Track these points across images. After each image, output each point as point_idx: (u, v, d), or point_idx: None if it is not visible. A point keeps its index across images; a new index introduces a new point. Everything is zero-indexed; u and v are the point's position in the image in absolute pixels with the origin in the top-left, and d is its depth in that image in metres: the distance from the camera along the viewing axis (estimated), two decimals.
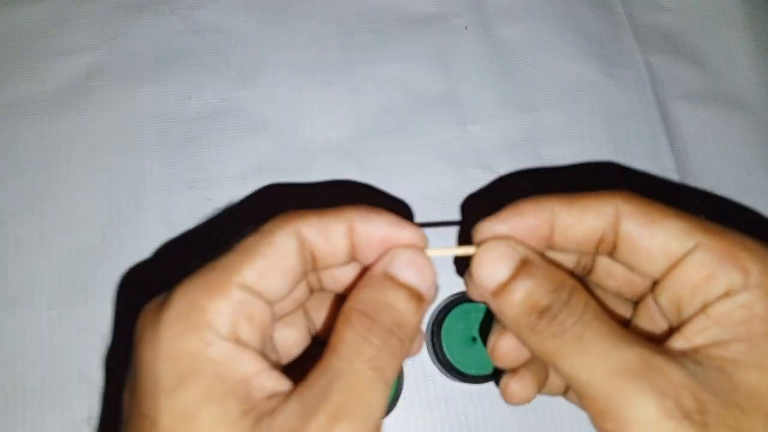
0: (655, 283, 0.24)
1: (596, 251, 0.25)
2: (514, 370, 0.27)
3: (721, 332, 0.21)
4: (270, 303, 0.22)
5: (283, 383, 0.21)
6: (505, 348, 0.26)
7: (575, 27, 0.47)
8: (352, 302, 0.22)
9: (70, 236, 0.41)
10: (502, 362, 0.26)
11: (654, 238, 0.23)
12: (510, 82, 0.46)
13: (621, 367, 0.20)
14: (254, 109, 0.44)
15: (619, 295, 0.27)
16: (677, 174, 0.44)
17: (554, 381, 0.28)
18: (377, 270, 0.23)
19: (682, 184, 0.44)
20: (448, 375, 0.38)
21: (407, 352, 0.22)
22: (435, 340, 0.38)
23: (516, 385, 0.26)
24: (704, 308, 0.22)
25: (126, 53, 0.45)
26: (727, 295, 0.21)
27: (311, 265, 0.24)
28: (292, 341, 0.28)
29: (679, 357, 0.21)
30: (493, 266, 0.23)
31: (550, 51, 0.46)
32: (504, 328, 0.26)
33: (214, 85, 0.45)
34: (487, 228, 0.24)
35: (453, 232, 0.42)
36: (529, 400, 0.27)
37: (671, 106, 0.46)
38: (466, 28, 0.47)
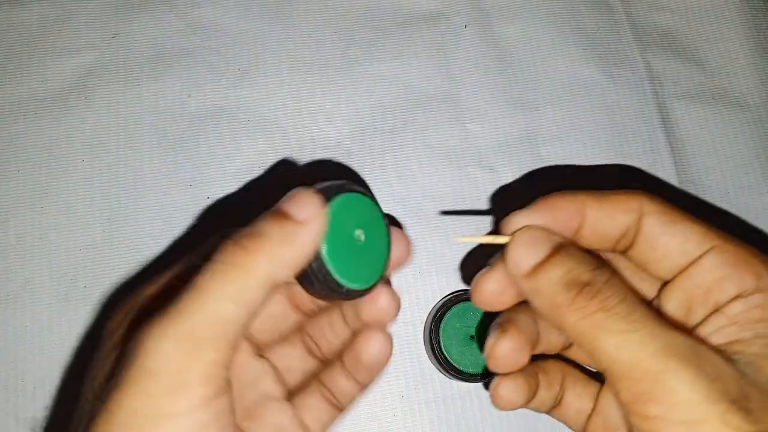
0: (663, 286, 0.25)
1: (614, 248, 0.25)
2: (506, 374, 0.27)
3: (741, 330, 0.22)
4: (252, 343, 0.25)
5: None
6: (505, 350, 0.26)
7: (575, 26, 0.47)
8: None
9: (70, 235, 0.41)
10: (499, 365, 0.26)
11: (673, 237, 0.24)
12: (509, 81, 0.46)
13: (671, 350, 0.20)
14: (253, 107, 0.44)
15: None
16: (676, 173, 0.44)
17: (544, 395, 0.28)
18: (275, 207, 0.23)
19: (684, 191, 0.44)
20: (446, 373, 0.38)
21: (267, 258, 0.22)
22: (433, 339, 0.38)
23: (506, 388, 0.26)
24: (717, 309, 0.23)
25: (125, 52, 0.45)
26: (740, 296, 0.22)
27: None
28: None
29: (714, 349, 0.21)
30: (529, 248, 0.23)
31: (550, 50, 0.46)
32: (504, 330, 0.26)
33: (214, 83, 0.45)
34: (519, 219, 0.24)
35: (453, 227, 0.42)
36: (517, 407, 0.27)
37: (670, 105, 0.46)
38: (465, 26, 0.47)
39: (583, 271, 0.22)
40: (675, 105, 0.46)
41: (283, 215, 0.22)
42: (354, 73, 0.45)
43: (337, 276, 0.23)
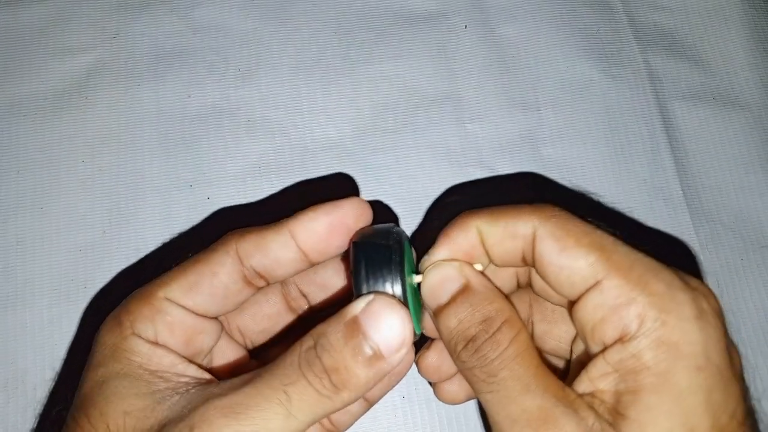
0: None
1: (525, 264, 0.25)
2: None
3: (618, 381, 0.21)
4: (203, 315, 0.25)
5: (202, 376, 0.24)
6: (429, 361, 0.28)
7: (575, 26, 0.47)
8: (313, 330, 0.23)
9: (71, 235, 0.41)
10: (426, 374, 0.28)
11: (562, 268, 0.23)
12: (509, 81, 0.46)
13: (520, 415, 0.21)
14: (254, 107, 0.44)
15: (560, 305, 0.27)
16: (676, 173, 0.44)
17: None
18: (350, 311, 0.23)
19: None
20: None
21: (342, 401, 0.22)
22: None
23: (432, 358, 0.28)
24: (604, 350, 0.22)
25: (126, 52, 0.45)
26: (621, 340, 0.21)
27: (260, 282, 0.26)
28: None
29: (581, 404, 0.21)
30: (435, 289, 0.24)
31: (550, 50, 0.46)
32: (427, 346, 0.28)
33: (214, 83, 0.45)
34: (429, 260, 0.25)
35: None
36: (440, 379, 0.28)
37: (671, 105, 0.46)
38: (465, 26, 0.47)
39: (472, 324, 0.23)
40: (675, 105, 0.46)
41: (376, 355, 0.22)
42: (354, 73, 0.45)
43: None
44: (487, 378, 0.22)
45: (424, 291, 0.24)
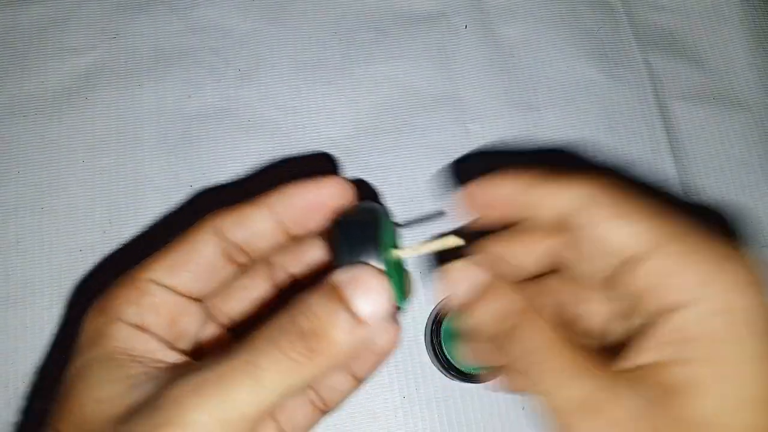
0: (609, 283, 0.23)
1: (562, 231, 0.24)
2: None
3: (673, 351, 0.20)
4: (187, 296, 0.25)
5: (181, 360, 0.23)
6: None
7: (575, 26, 0.47)
8: (295, 302, 0.22)
9: (70, 235, 0.41)
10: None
11: (620, 229, 0.22)
12: (510, 81, 0.46)
13: (569, 404, 0.20)
14: (254, 107, 0.44)
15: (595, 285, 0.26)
16: (676, 173, 0.44)
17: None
18: (332, 279, 0.22)
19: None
20: (447, 374, 0.38)
21: (318, 367, 0.21)
22: (434, 339, 0.38)
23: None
24: (655, 320, 0.21)
25: (126, 53, 0.45)
26: (672, 310, 0.20)
27: (241, 257, 0.26)
28: None
29: (630, 381, 0.20)
30: (457, 286, 0.24)
31: (550, 50, 0.46)
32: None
33: (214, 84, 0.45)
34: (465, 193, 0.25)
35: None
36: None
37: (671, 105, 0.46)
38: (466, 27, 0.47)
39: (492, 322, 0.22)
40: (675, 105, 0.46)
41: (356, 320, 0.21)
42: (354, 73, 0.45)
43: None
44: (526, 373, 0.21)
45: (446, 287, 0.24)
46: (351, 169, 0.43)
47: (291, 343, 0.21)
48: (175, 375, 0.21)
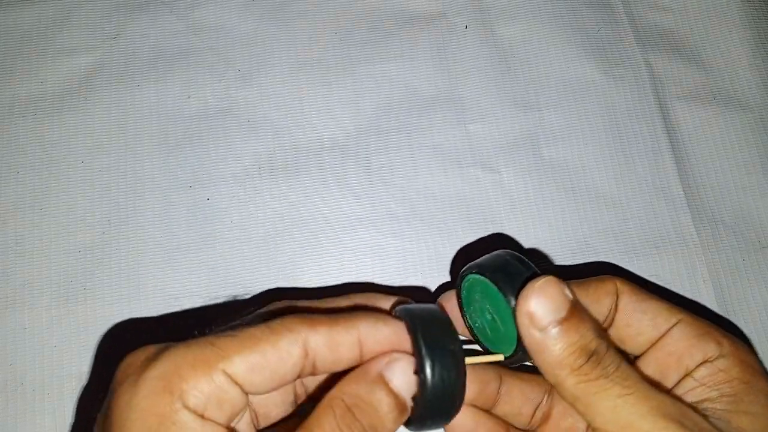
0: (636, 359, 0.29)
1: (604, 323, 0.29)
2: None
3: (708, 391, 0.26)
4: (248, 393, 0.23)
5: None
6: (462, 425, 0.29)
7: (575, 26, 0.47)
8: (340, 392, 0.23)
9: (70, 236, 0.41)
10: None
11: (645, 313, 0.28)
12: (510, 82, 0.46)
13: (660, 410, 0.23)
14: (254, 108, 0.44)
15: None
16: (677, 173, 0.44)
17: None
18: (373, 368, 0.23)
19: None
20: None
21: None
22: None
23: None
24: (687, 374, 0.27)
25: (126, 53, 0.45)
26: (706, 361, 0.27)
27: (310, 371, 0.24)
28: (274, 404, 0.28)
29: (692, 407, 0.24)
30: (550, 303, 0.24)
31: (551, 50, 0.46)
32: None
33: (214, 84, 0.45)
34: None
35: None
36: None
37: (672, 105, 0.46)
38: (466, 27, 0.47)
39: (591, 339, 0.24)
40: (676, 105, 0.46)
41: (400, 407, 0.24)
42: (354, 73, 0.45)
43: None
44: (619, 382, 0.23)
45: (536, 303, 0.24)
46: (351, 169, 0.43)
47: None
48: None
